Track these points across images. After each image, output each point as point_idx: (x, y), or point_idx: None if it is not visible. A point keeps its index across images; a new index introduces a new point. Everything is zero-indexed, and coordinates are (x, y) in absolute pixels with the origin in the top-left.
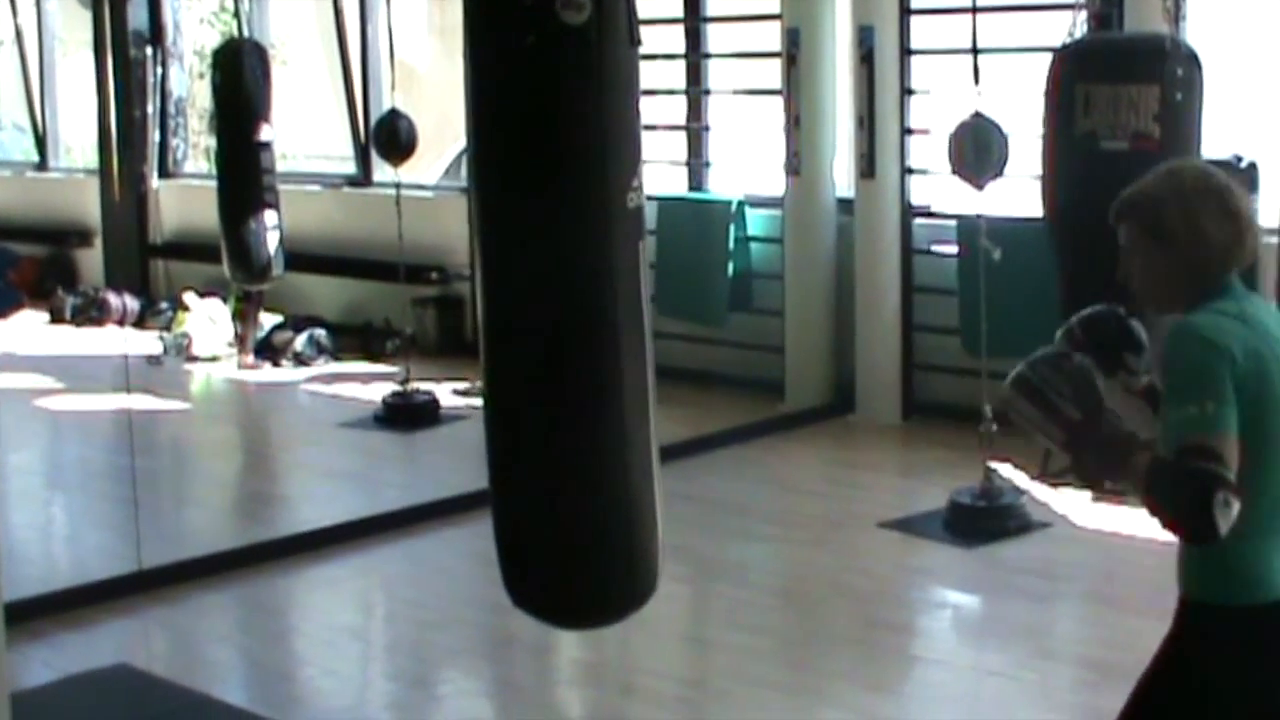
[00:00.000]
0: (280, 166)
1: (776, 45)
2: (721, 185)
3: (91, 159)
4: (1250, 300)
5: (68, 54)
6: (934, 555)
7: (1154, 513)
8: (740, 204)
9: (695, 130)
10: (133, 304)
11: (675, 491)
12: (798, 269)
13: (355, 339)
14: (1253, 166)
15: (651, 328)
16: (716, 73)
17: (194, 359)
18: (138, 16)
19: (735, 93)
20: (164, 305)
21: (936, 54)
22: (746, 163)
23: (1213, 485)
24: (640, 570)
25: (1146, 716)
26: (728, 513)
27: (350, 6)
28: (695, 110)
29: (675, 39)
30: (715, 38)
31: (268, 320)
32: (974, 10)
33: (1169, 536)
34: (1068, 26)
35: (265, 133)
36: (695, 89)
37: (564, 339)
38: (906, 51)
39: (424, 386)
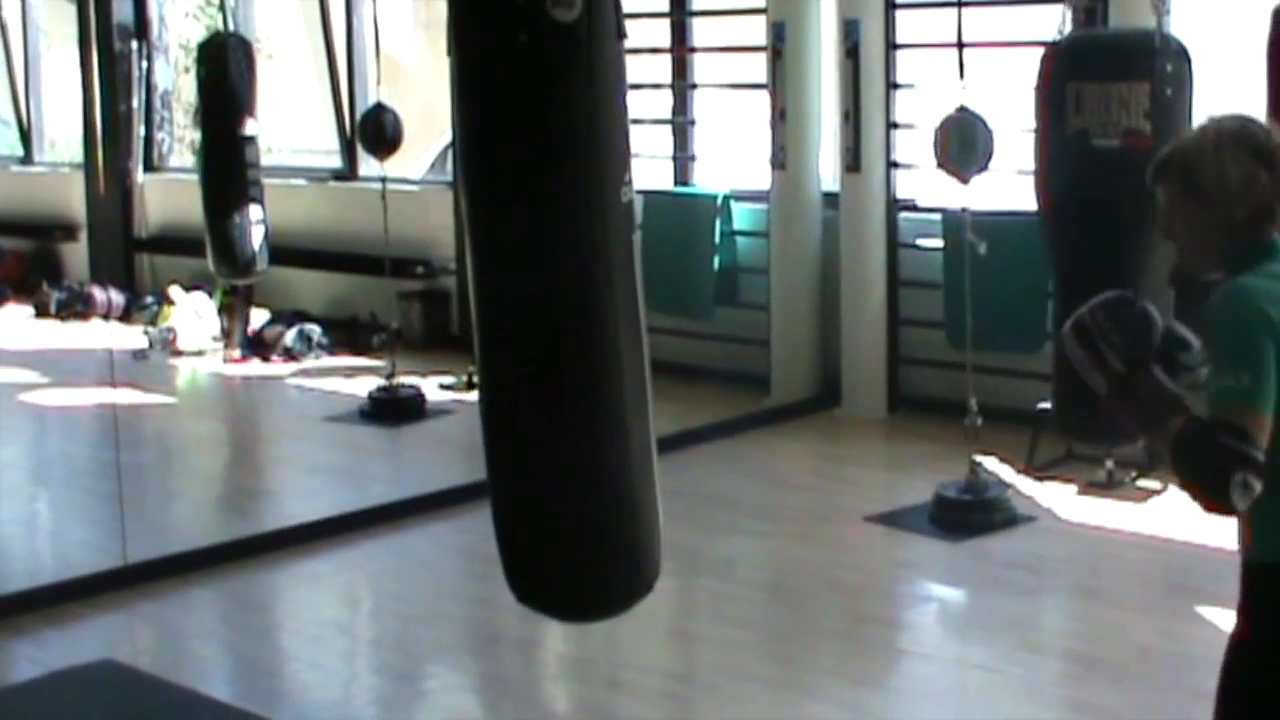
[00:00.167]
0: (266, 161)
1: (762, 39)
2: (707, 179)
3: (76, 153)
4: None
5: (52, 47)
6: (920, 549)
7: (1177, 477)
8: (726, 198)
9: (681, 124)
10: (118, 298)
11: (661, 486)
12: (783, 263)
13: (341, 333)
14: None
15: (645, 322)
16: (702, 67)
17: (179, 353)
18: (123, 10)
19: (721, 87)
20: (149, 300)
21: (922, 48)
22: (732, 157)
23: (1234, 465)
24: (643, 562)
25: (1235, 688)
26: (714, 507)
27: (335, 0)
28: (681, 104)
29: (661, 33)
30: (701, 32)
31: (257, 315)
32: (959, 4)
33: (1154, 531)
34: (1057, 23)
35: (250, 127)
36: (681, 83)
37: (563, 335)
38: (892, 45)
39: (409, 381)
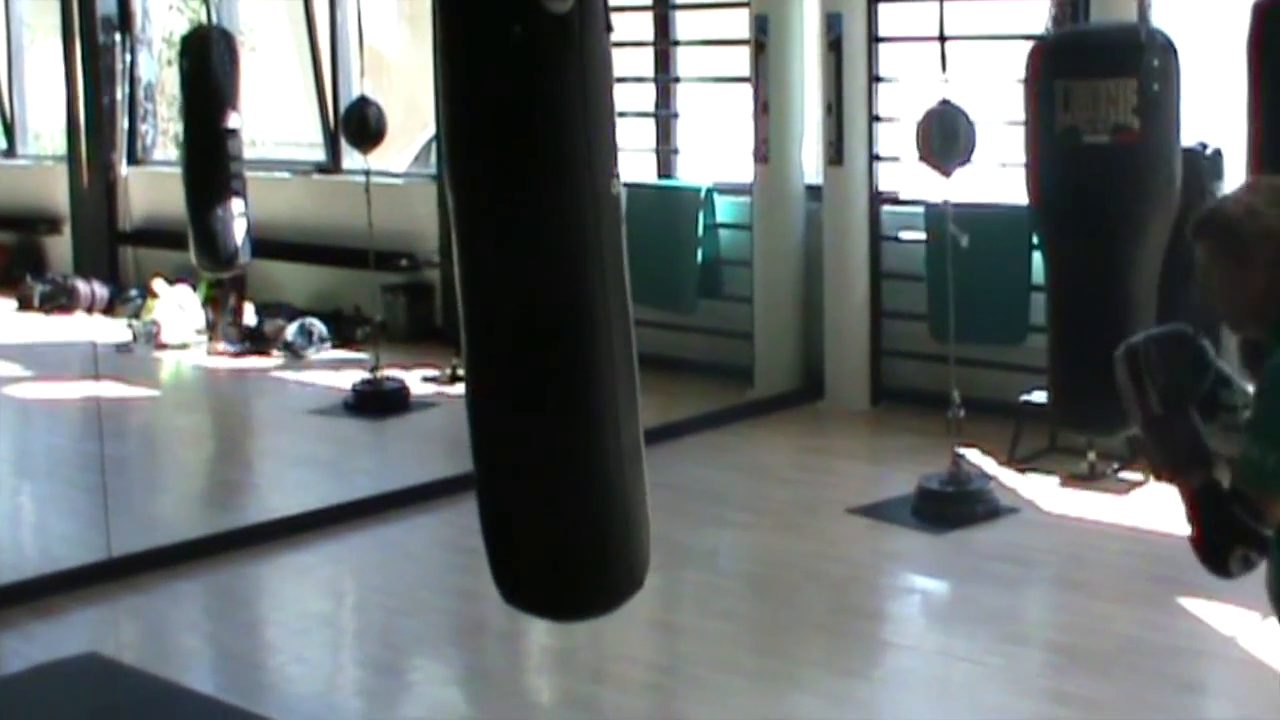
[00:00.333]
0: (249, 154)
1: (745, 32)
2: (690, 172)
3: (60, 146)
4: None
5: (35, 40)
6: (903, 541)
7: (1189, 527)
8: (709, 191)
9: (664, 117)
10: (102, 291)
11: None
12: (766, 256)
13: (325, 326)
14: (1218, 154)
15: (632, 316)
16: (685, 60)
17: (163, 346)
18: (106, 3)
19: (704, 80)
20: (133, 292)
21: (904, 41)
22: (715, 150)
23: (1240, 541)
24: (634, 560)
25: None
26: (698, 499)
27: None
28: (664, 97)
29: (644, 26)
30: (684, 25)
31: (250, 308)
32: None
33: (1136, 522)
34: (1044, 20)
35: (232, 120)
36: (664, 76)
37: (553, 330)
38: (874, 39)
39: (394, 374)
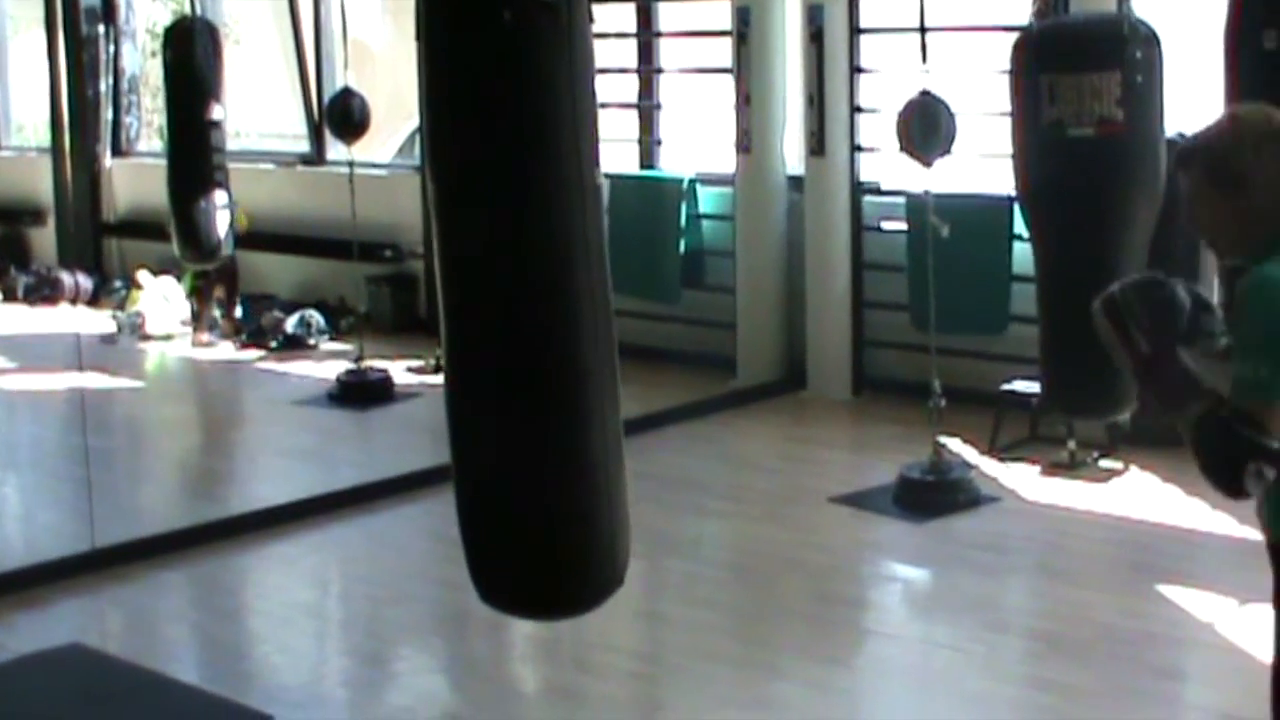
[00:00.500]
0: (234, 145)
1: (727, 24)
2: (673, 163)
3: (44, 137)
4: None
5: (19, 32)
6: (884, 529)
7: (1196, 461)
8: (692, 182)
9: (647, 108)
10: (86, 283)
11: (628, 468)
12: (749, 246)
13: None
14: None
15: (613, 307)
16: (668, 51)
17: (148, 337)
18: None
19: (686, 71)
20: (118, 284)
21: (885, 33)
22: (698, 141)
23: (1250, 455)
24: (615, 557)
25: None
26: (680, 489)
27: None
28: (647, 88)
29: (627, 17)
30: (666, 16)
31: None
32: None
33: (1116, 511)
34: (1028, 13)
35: (215, 112)
36: (647, 67)
37: (537, 321)
38: (856, 30)
39: (378, 364)
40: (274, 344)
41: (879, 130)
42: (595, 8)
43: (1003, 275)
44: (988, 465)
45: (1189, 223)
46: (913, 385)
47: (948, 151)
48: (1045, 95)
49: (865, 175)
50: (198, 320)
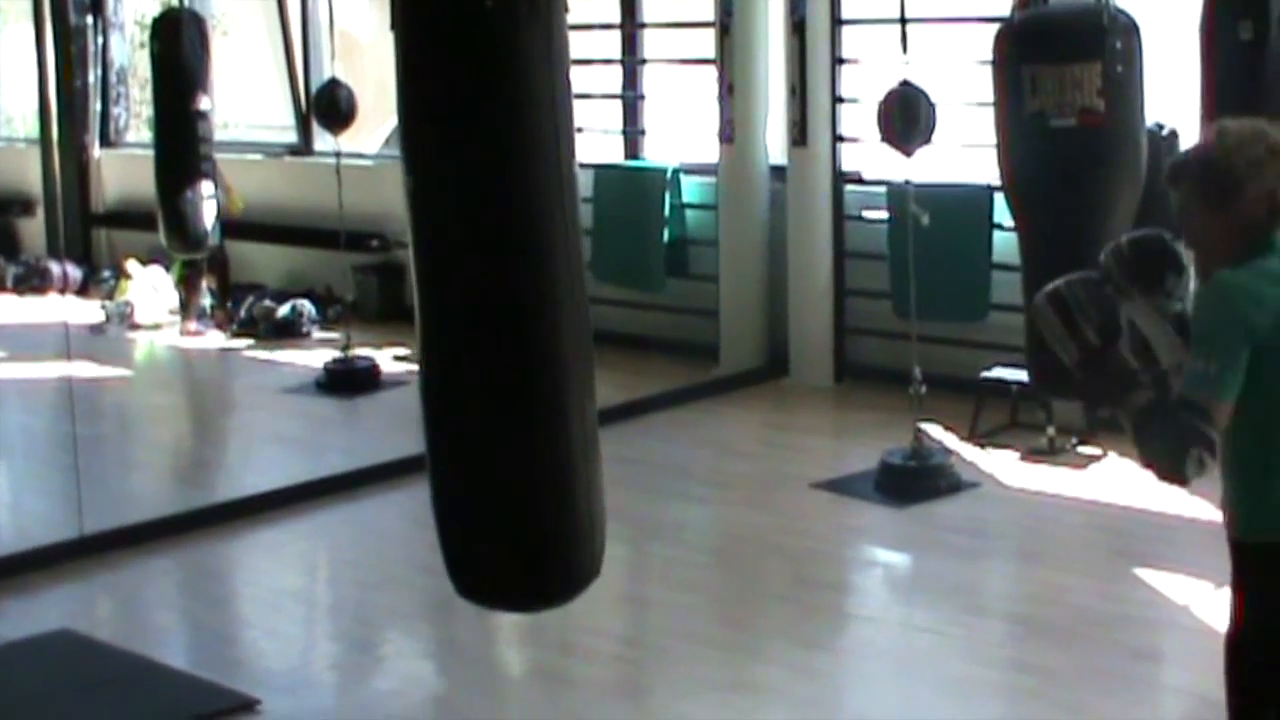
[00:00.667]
0: (222, 136)
1: (710, 15)
2: (657, 153)
3: (33, 128)
4: None
5: (8, 23)
6: (866, 515)
7: (1137, 448)
8: (675, 171)
9: (631, 99)
10: (75, 272)
11: (612, 454)
12: (732, 235)
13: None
14: (1173, 134)
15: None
16: (651, 42)
17: (137, 327)
18: None
19: (670, 62)
20: (106, 273)
21: (866, 24)
22: (681, 131)
23: (1193, 441)
24: (592, 548)
25: (1242, 652)
26: (664, 474)
27: None
28: (631, 79)
29: (611, 9)
30: (650, 7)
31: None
32: None
33: (1094, 496)
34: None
35: (203, 103)
36: (631, 58)
37: (523, 313)
38: (837, 21)
39: (365, 353)
40: (262, 330)
41: (860, 120)
42: None
43: (982, 263)
44: (968, 451)
45: (1180, 235)
46: (894, 372)
47: (928, 141)
48: (1027, 86)
49: (847, 165)
50: (186, 309)
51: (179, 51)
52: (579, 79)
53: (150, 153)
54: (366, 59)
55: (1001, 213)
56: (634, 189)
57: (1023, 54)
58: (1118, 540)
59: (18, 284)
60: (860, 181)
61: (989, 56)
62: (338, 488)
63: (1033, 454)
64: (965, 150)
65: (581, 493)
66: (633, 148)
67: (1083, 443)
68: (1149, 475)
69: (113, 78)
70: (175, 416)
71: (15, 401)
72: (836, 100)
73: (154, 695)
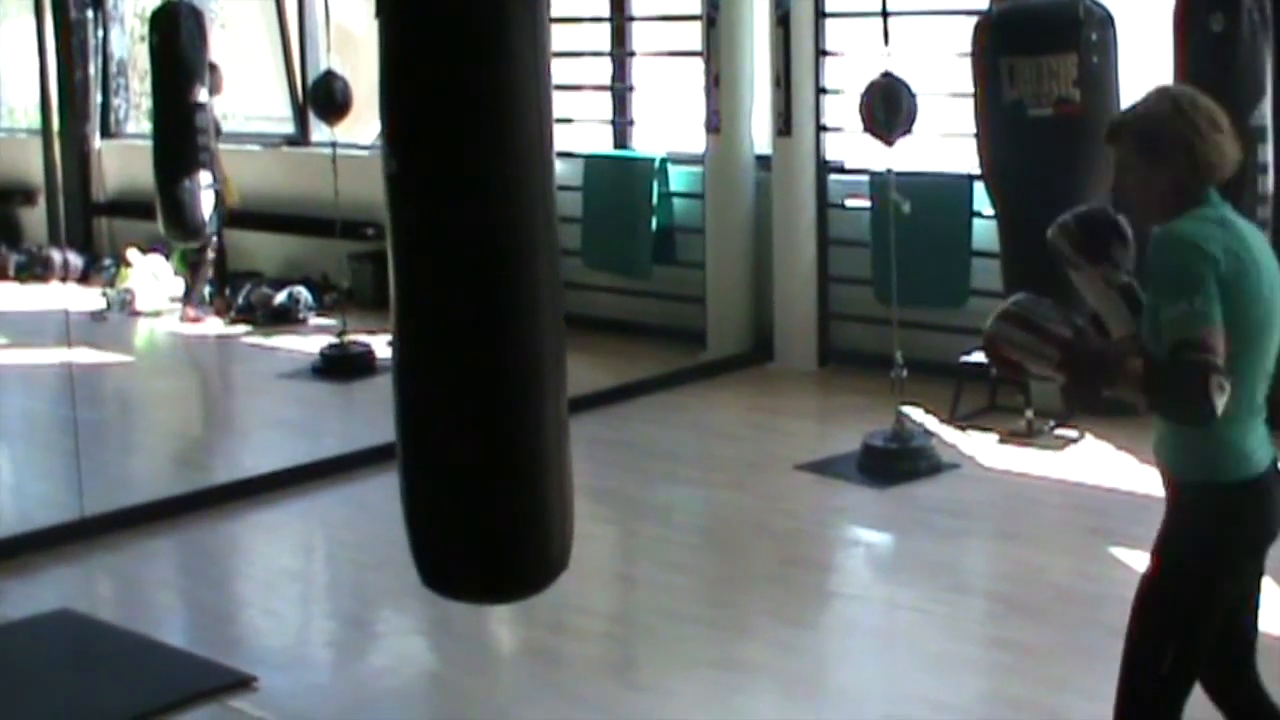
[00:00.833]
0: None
1: (697, 8)
2: (645, 143)
3: (34, 120)
4: (1227, 207)
5: (9, 16)
6: (849, 495)
7: (1156, 405)
8: (663, 161)
9: (619, 90)
10: (76, 261)
11: (601, 437)
12: (718, 223)
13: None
14: None
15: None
16: (640, 35)
17: (137, 313)
18: None
19: (658, 54)
20: (107, 262)
21: (849, 17)
22: (669, 121)
23: (1208, 372)
24: (563, 538)
25: (1159, 588)
26: (652, 457)
27: None
28: (620, 71)
29: (600, 3)
30: (638, 1)
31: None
32: None
33: (1072, 477)
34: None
35: (200, 94)
36: (619, 50)
37: (502, 305)
38: (821, 14)
39: (360, 338)
40: (259, 317)
41: (843, 111)
42: None
43: (962, 250)
44: (948, 434)
45: (1117, 191)
46: (876, 357)
47: (909, 131)
48: (1005, 77)
49: (830, 154)
50: (189, 294)
51: (177, 44)
52: (570, 71)
53: (149, 143)
54: (361, 51)
55: (981, 201)
56: (623, 178)
57: (1001, 45)
58: (1094, 519)
59: (20, 272)
60: (843, 171)
61: (969, 48)
62: (334, 470)
63: (1011, 436)
64: (946, 140)
65: (553, 485)
66: (622, 138)
67: (1060, 425)
68: (1177, 424)
69: (113, 70)
70: (174, 401)
71: (17, 387)
72: (820, 91)
73: (153, 673)
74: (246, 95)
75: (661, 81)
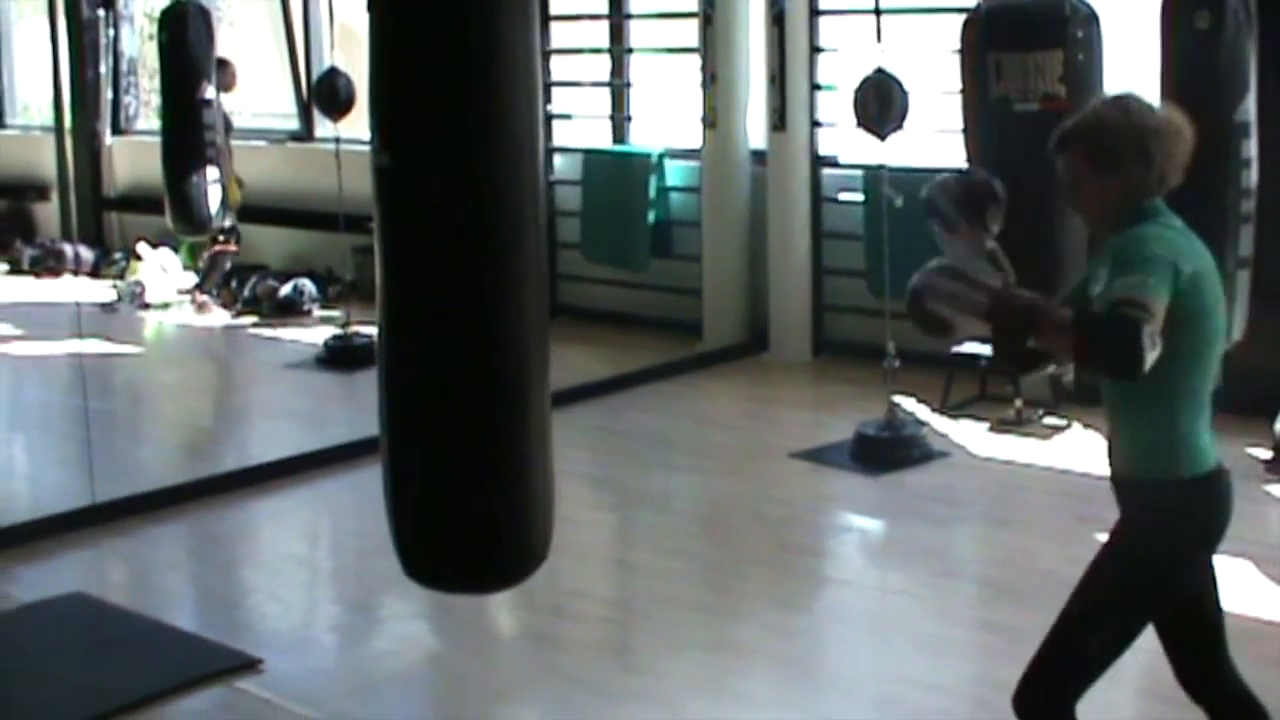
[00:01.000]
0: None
1: (694, 6)
2: (643, 138)
3: (47, 117)
4: (1177, 218)
5: (24, 17)
6: (842, 483)
7: (1082, 352)
8: (660, 156)
9: (618, 86)
10: (88, 254)
11: (600, 426)
12: (714, 217)
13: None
14: None
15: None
16: (637, 32)
17: (147, 306)
18: None
19: (655, 51)
20: (118, 255)
21: (843, 14)
22: (666, 117)
23: (1142, 325)
24: (540, 535)
25: (1110, 574)
26: (650, 445)
27: None
28: (618, 68)
29: (599, 1)
30: None
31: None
32: None
33: (1060, 465)
34: None
35: (207, 91)
36: (618, 48)
37: (489, 299)
38: (815, 12)
39: (363, 330)
40: (265, 309)
41: (837, 106)
42: None
43: None
44: (939, 422)
45: (1066, 201)
46: (869, 347)
47: (901, 126)
48: (993, 73)
49: (824, 149)
50: (205, 280)
51: (185, 42)
52: (570, 67)
53: (158, 139)
54: (363, 48)
55: None
56: (621, 173)
57: (988, 41)
58: (1081, 506)
59: (34, 265)
60: (837, 165)
61: (959, 45)
62: (338, 458)
63: (1001, 425)
64: (937, 135)
65: (537, 477)
66: (620, 133)
67: (1049, 414)
68: (1101, 375)
69: (123, 68)
70: (183, 391)
71: (31, 377)
72: (814, 87)
73: (162, 654)
74: (253, 92)
75: (659, 78)
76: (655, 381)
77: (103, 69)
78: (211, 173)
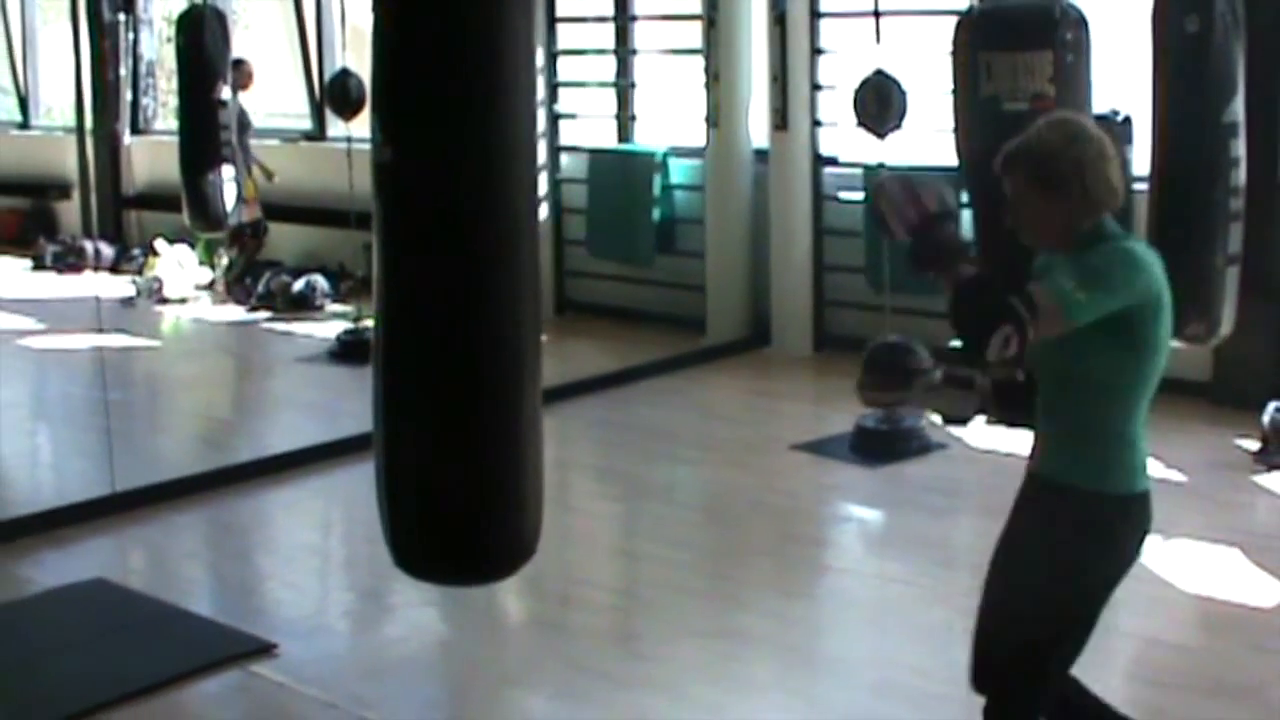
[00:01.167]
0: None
1: (697, 8)
2: (647, 137)
3: (69, 118)
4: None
5: (48, 22)
6: (842, 474)
7: (951, 312)
8: (665, 155)
9: (623, 87)
10: (108, 251)
11: (605, 419)
12: (718, 214)
13: (327, 282)
14: (1128, 120)
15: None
16: (642, 34)
17: (165, 301)
18: None
19: (660, 52)
20: (137, 252)
21: (843, 16)
22: (670, 116)
23: (1007, 318)
24: (531, 530)
25: (1019, 586)
26: (654, 438)
27: None
28: (623, 69)
29: (605, 3)
30: (641, 1)
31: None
32: None
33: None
34: None
35: (223, 92)
36: (623, 49)
37: (486, 296)
38: (816, 14)
39: None
40: (279, 304)
41: (837, 106)
42: None
43: None
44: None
45: (1012, 223)
46: (869, 342)
47: (900, 126)
48: (983, 72)
49: (825, 148)
50: (230, 270)
51: (202, 45)
52: (576, 68)
53: (176, 139)
54: None
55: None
56: (626, 171)
57: (979, 41)
58: None
59: (56, 261)
60: (837, 164)
61: (951, 45)
62: (350, 449)
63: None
64: (935, 134)
65: (529, 470)
66: (625, 133)
67: None
68: (953, 328)
69: (142, 70)
70: (200, 383)
71: (53, 370)
72: (815, 88)
73: (180, 639)
74: (267, 93)
75: (663, 78)
76: (660, 375)
77: (123, 71)
78: (227, 171)
